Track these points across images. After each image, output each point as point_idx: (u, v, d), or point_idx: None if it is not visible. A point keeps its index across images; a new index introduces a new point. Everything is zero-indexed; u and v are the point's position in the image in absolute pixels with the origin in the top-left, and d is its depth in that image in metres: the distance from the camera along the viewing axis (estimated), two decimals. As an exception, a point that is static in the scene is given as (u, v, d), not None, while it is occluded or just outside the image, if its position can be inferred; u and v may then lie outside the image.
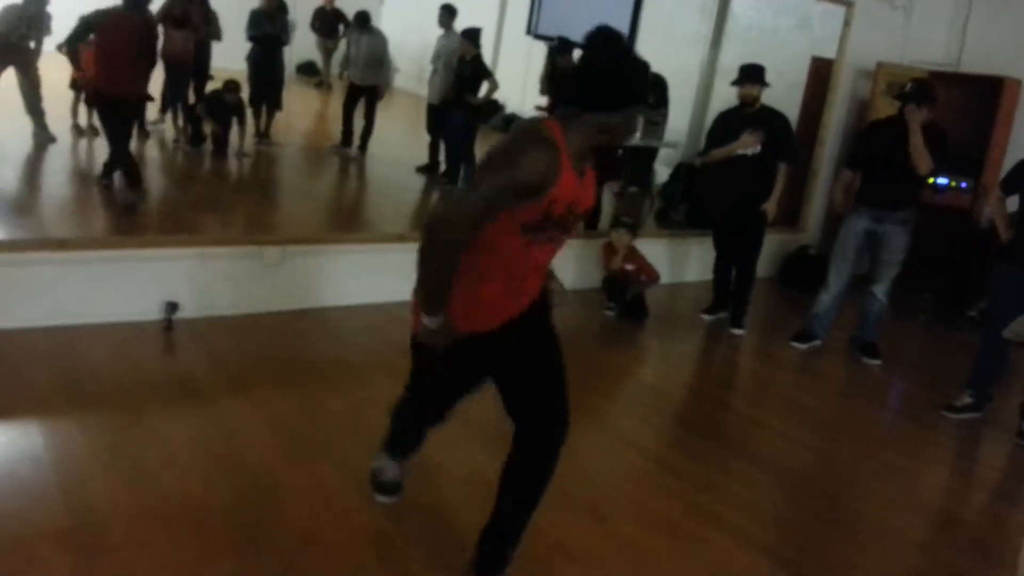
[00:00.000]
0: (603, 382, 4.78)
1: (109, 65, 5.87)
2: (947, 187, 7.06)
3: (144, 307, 4.46)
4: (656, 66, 6.35)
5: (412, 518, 3.07)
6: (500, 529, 2.65)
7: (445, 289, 2.32)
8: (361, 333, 4.85)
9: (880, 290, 5.49)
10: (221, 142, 7.96)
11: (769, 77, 5.61)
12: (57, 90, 7.59)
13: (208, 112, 7.90)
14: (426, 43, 8.99)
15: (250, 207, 7.00)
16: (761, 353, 5.79)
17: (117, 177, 6.21)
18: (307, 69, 13.01)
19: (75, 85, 7.60)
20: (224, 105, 7.84)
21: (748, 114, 5.58)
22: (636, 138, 7.38)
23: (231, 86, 7.85)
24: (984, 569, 3.43)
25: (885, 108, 6.61)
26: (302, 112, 9.09)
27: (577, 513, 3.25)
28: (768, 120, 5.55)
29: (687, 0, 9.82)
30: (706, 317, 6.03)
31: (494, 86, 8.16)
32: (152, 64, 6.17)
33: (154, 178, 7.14)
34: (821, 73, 7.65)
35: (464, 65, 7.98)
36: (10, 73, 7.19)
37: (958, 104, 7.01)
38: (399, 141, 10.17)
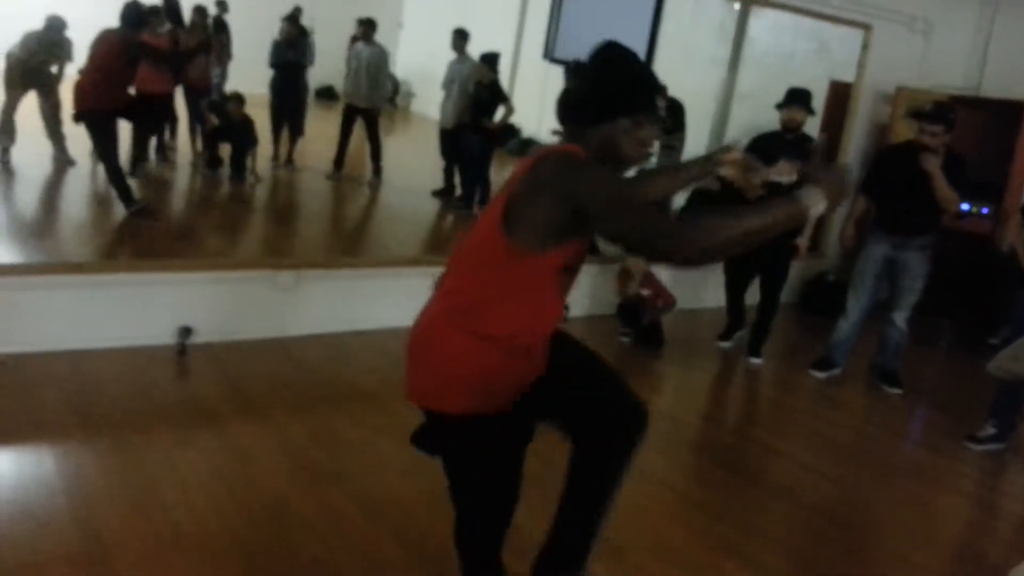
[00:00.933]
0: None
1: (82, 79, 6.15)
2: (968, 213, 6.99)
3: (158, 331, 4.46)
4: (674, 90, 6.29)
5: (426, 546, 3.03)
6: (564, 545, 2.22)
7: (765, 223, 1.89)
8: (376, 358, 4.82)
9: (900, 317, 5.42)
10: (238, 165, 7.99)
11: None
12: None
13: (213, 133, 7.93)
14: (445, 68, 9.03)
15: (265, 230, 7.01)
16: (780, 381, 5.72)
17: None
18: (326, 94, 13.09)
19: None
20: (227, 118, 7.86)
21: (788, 140, 5.38)
22: (654, 151, 7.32)
23: (234, 98, 7.89)
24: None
25: (905, 132, 6.56)
26: (319, 136, 9.12)
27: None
28: (809, 150, 5.35)
29: (705, 24, 9.82)
30: (723, 344, 5.93)
31: (510, 110, 8.18)
32: (123, 80, 6.28)
33: (171, 202, 7.18)
34: (840, 97, 7.61)
35: (481, 89, 8.00)
36: (31, 97, 7.26)
37: (979, 129, 6.96)
38: (415, 165, 10.18)
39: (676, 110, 7.76)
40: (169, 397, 4.03)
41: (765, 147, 5.45)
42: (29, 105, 7.23)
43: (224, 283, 4.71)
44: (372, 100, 8.67)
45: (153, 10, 6.61)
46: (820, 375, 5.63)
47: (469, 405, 2.14)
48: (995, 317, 6.46)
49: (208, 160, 8.14)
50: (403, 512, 3.26)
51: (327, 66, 12.11)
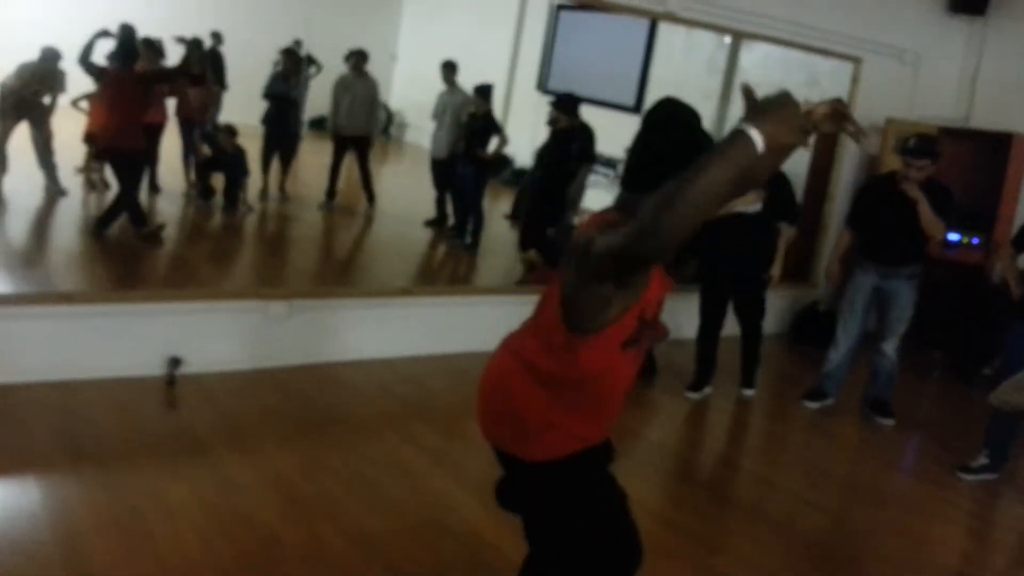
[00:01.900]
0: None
1: (106, 119, 6.36)
2: (959, 243, 7.02)
3: (148, 362, 4.43)
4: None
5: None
6: None
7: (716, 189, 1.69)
8: (367, 389, 4.80)
9: (889, 347, 5.41)
10: (231, 196, 8.00)
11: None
12: (69, 144, 7.66)
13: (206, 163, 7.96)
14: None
15: (257, 260, 7.01)
16: (772, 411, 5.71)
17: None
18: (319, 124, 13.15)
19: (88, 139, 7.68)
20: (220, 148, 7.89)
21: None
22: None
23: (225, 129, 7.92)
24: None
25: (894, 163, 6.59)
26: (311, 166, 9.16)
27: None
28: (771, 179, 5.41)
29: (696, 56, 9.90)
30: (692, 395, 5.60)
31: (504, 141, 8.22)
32: (137, 117, 6.41)
33: (163, 231, 7.17)
34: (830, 129, 7.64)
35: (475, 120, 8.04)
36: (23, 128, 7.29)
37: (968, 159, 7.00)
38: (408, 194, 10.21)
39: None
40: (158, 428, 4.00)
41: None
42: (21, 135, 7.26)
43: (215, 313, 4.69)
44: (365, 130, 8.71)
45: (146, 42, 6.71)
46: (812, 405, 5.61)
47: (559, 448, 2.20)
48: (987, 347, 6.47)
49: (200, 190, 8.16)
50: (395, 546, 3.23)
51: (321, 97, 12.18)
